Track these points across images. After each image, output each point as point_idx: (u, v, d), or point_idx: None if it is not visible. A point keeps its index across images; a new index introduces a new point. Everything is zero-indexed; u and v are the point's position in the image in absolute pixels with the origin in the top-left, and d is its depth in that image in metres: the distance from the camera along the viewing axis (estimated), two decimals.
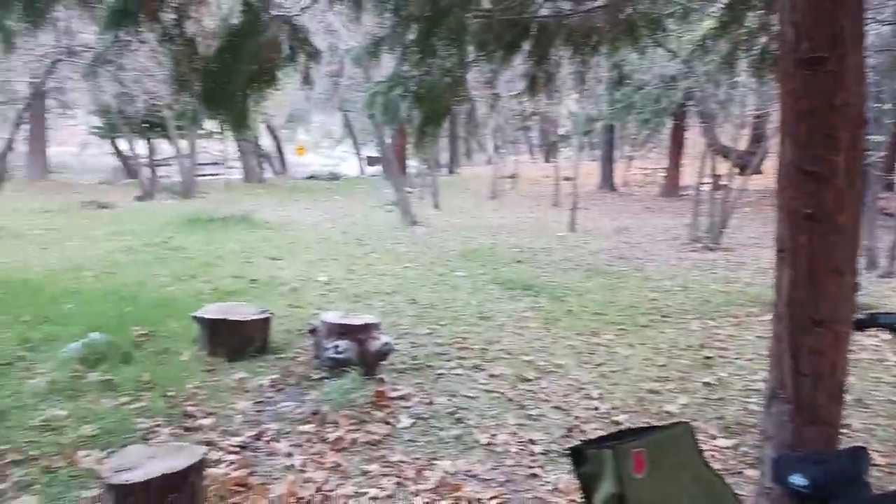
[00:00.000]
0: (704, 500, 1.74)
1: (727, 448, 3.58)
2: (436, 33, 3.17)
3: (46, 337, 4.81)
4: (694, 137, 20.30)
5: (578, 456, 1.71)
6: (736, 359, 5.17)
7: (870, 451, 2.51)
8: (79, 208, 13.97)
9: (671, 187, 20.52)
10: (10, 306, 5.53)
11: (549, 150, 32.28)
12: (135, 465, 2.63)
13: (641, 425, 2.96)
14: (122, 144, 22.67)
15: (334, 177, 26.79)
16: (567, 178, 18.51)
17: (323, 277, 7.56)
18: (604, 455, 1.64)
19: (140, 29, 2.87)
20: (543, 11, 3.87)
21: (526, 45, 3.73)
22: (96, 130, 24.12)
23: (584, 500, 1.70)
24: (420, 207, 14.41)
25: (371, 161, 28.41)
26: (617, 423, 3.95)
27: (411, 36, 3.34)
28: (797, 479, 1.81)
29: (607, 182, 22.10)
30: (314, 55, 3.44)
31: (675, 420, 3.53)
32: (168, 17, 2.95)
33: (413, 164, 22.41)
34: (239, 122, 3.27)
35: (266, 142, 27.33)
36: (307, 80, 3.50)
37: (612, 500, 1.59)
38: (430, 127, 3.64)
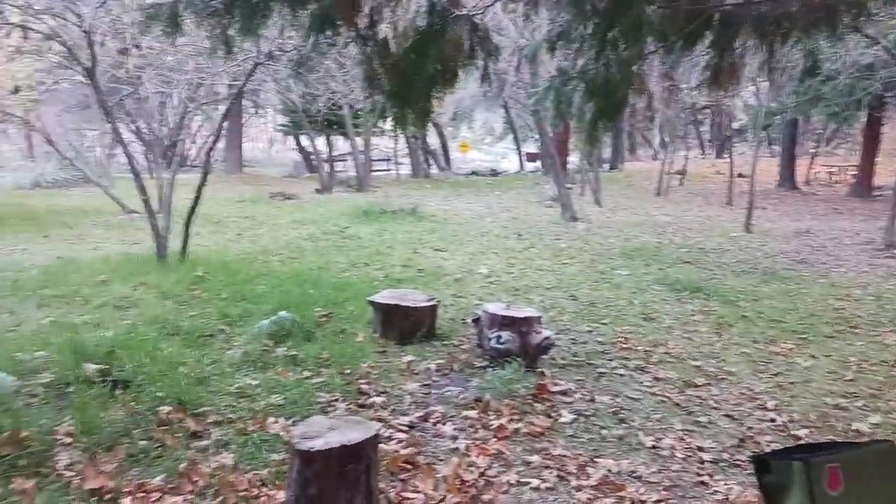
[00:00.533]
0: None
1: None
2: (616, 26, 3.13)
3: (243, 313, 5.35)
4: (891, 132, 18.14)
5: (763, 465, 1.63)
6: None
7: None
8: (267, 199, 15.33)
9: (863, 186, 18.49)
10: (213, 285, 6.23)
11: (723, 145, 30.37)
12: (318, 434, 2.85)
13: (827, 440, 2.74)
14: (304, 141, 24.55)
15: (495, 173, 27.12)
16: (741, 175, 17.33)
17: (484, 270, 7.71)
18: (794, 467, 1.55)
19: (338, 32, 3.12)
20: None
21: (709, 35, 3.55)
22: (282, 128, 26.34)
23: None
24: (581, 204, 14.19)
25: (531, 157, 28.41)
26: (796, 437, 3.67)
27: (589, 30, 3.32)
28: None
29: (787, 180, 20.35)
30: (493, 53, 3.53)
31: (867, 439, 3.22)
32: (362, 21, 3.18)
33: (574, 159, 22.09)
34: (422, 118, 3.45)
35: (432, 139, 28.24)
36: (485, 78, 3.60)
37: None
38: (603, 120, 3.60)
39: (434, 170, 27.50)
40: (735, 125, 26.47)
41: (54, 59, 8.86)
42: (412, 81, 3.20)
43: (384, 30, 3.26)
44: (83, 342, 4.36)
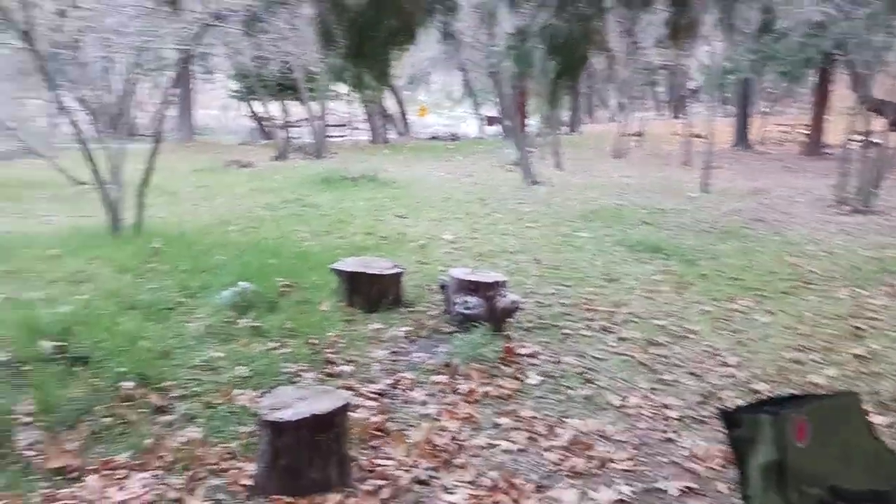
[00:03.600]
0: (871, 472, 1.64)
1: (884, 426, 3.34)
2: None
3: (203, 285, 5.24)
4: (840, 91, 18.57)
5: (732, 419, 1.67)
6: (891, 331, 4.78)
7: None
8: (223, 168, 14.97)
9: (814, 145, 19.00)
10: (170, 257, 6.07)
11: (678, 105, 30.70)
12: (286, 404, 2.82)
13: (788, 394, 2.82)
14: (258, 107, 23.94)
15: (455, 137, 26.97)
16: (697, 136, 17.56)
17: (448, 236, 7.69)
18: (762, 420, 1.58)
19: None
20: None
21: None
22: (234, 94, 25.58)
23: (736, 464, 1.66)
24: (542, 167, 14.22)
25: (490, 121, 28.28)
26: (756, 391, 3.79)
27: None
28: None
29: (742, 140, 20.77)
30: (453, 9, 3.45)
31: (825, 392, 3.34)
32: None
33: (534, 123, 22.07)
34: (381, 78, 3.37)
35: (390, 104, 27.85)
36: (446, 37, 3.52)
37: (771, 467, 1.54)
38: (565, 79, 3.57)
39: (392, 135, 27.16)
40: (691, 86, 26.75)
41: None
42: (369, 39, 3.11)
43: None
44: (38, 319, 4.22)
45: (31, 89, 19.00)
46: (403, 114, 29.12)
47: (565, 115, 26.84)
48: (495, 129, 26.72)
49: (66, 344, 3.89)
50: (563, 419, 3.38)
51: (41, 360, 3.71)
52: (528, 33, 3.64)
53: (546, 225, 8.54)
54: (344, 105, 26.34)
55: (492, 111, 28.31)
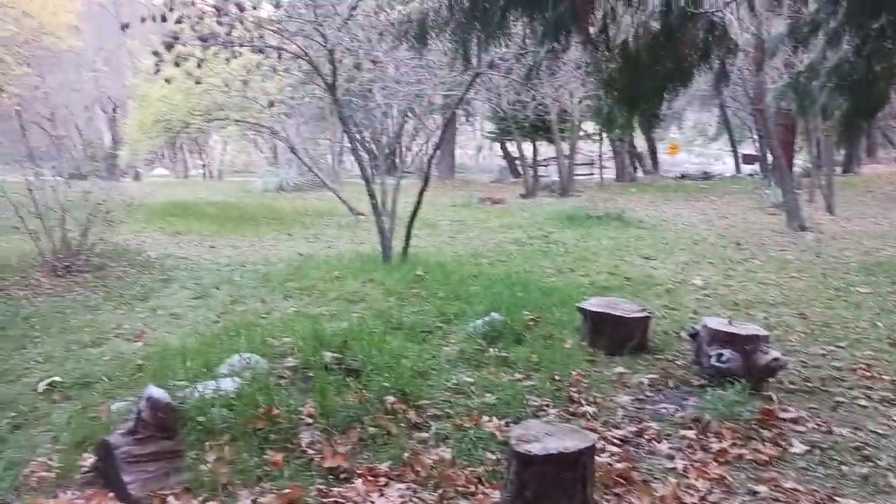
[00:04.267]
0: None
1: None
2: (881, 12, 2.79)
3: (458, 312, 5.62)
4: None
5: None
6: None
7: None
8: (476, 204, 15.91)
9: None
10: (430, 284, 6.62)
11: None
12: (535, 438, 2.90)
13: None
14: (510, 147, 25.06)
15: (707, 176, 25.50)
16: None
17: (698, 281, 7.31)
18: None
19: (569, 39, 3.16)
20: None
21: None
22: (489, 135, 27.10)
23: None
24: (810, 211, 12.84)
25: (748, 159, 26.25)
26: None
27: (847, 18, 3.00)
28: None
29: None
30: (732, 50, 3.34)
31: None
32: (593, 25, 3.19)
33: (800, 161, 20.03)
34: (652, 121, 3.38)
35: (639, 141, 27.30)
36: (722, 77, 3.42)
37: None
38: (860, 119, 3.23)
39: (640, 173, 26.52)
40: None
41: (299, 75, 10.00)
42: (644, 82, 3.14)
43: (617, 32, 3.23)
44: (322, 332, 4.86)
45: (322, 131, 22.14)
46: (653, 151, 28.31)
47: (839, 153, 23.89)
48: (753, 167, 24.74)
49: (342, 356, 4.43)
50: (834, 497, 3.02)
51: (323, 369, 4.27)
52: (818, 70, 3.38)
53: (814, 276, 7.69)
54: (591, 144, 26.39)
55: (749, 149, 26.30)
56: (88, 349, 4.92)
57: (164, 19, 6.86)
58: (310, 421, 3.65)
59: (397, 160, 22.79)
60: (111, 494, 2.94)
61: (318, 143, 23.31)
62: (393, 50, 7.99)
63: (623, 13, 3.17)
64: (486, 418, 3.73)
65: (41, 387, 4.14)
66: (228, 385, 3.81)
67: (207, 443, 3.33)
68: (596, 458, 3.18)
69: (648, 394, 4.18)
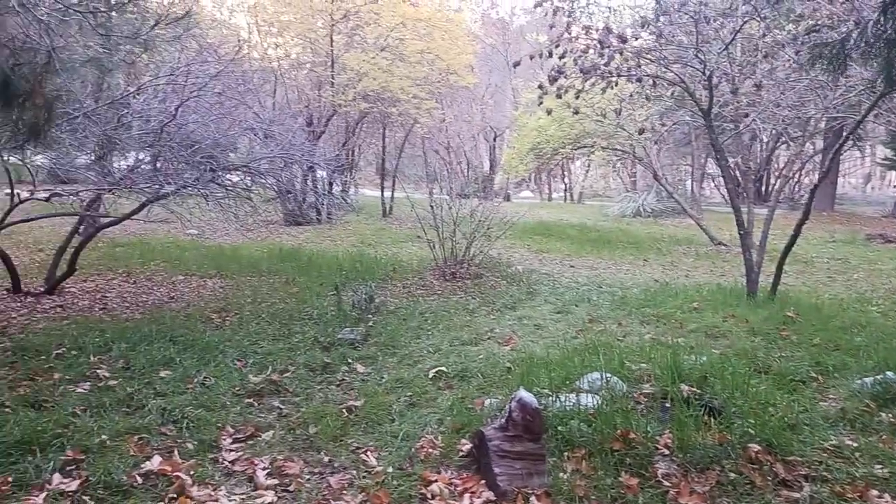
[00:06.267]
0: None
1: None
2: None
3: (838, 364, 4.95)
4: None
5: None
6: None
7: None
8: (862, 241, 13.74)
9: None
10: (803, 327, 5.95)
11: None
12: None
13: None
14: None
15: None
16: None
17: None
18: None
19: None
20: None
21: None
22: (884, 162, 23.12)
23: None
24: None
25: None
26: None
27: None
28: None
29: None
30: None
31: None
32: None
33: None
34: None
35: None
36: None
37: None
38: None
39: None
40: None
41: (669, 102, 9.94)
42: None
43: None
44: (680, 363, 4.74)
45: (684, 157, 21.50)
46: None
47: None
48: None
49: (701, 392, 4.26)
50: None
51: (680, 401, 4.16)
52: None
53: None
54: None
55: None
56: (467, 346, 5.61)
57: (549, 55, 7.48)
58: (666, 452, 3.61)
59: (763, 188, 20.90)
60: (483, 482, 3.33)
61: (678, 169, 22.71)
62: (770, 72, 7.42)
63: None
64: (874, 492, 3.23)
65: (431, 373, 4.86)
66: (588, 401, 3.98)
67: (566, 453, 3.54)
68: None
69: None
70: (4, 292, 7.11)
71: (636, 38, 7.18)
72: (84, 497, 3.01)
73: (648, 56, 7.20)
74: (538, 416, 3.39)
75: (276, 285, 8.12)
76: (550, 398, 4.01)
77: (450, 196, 10.57)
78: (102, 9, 5.52)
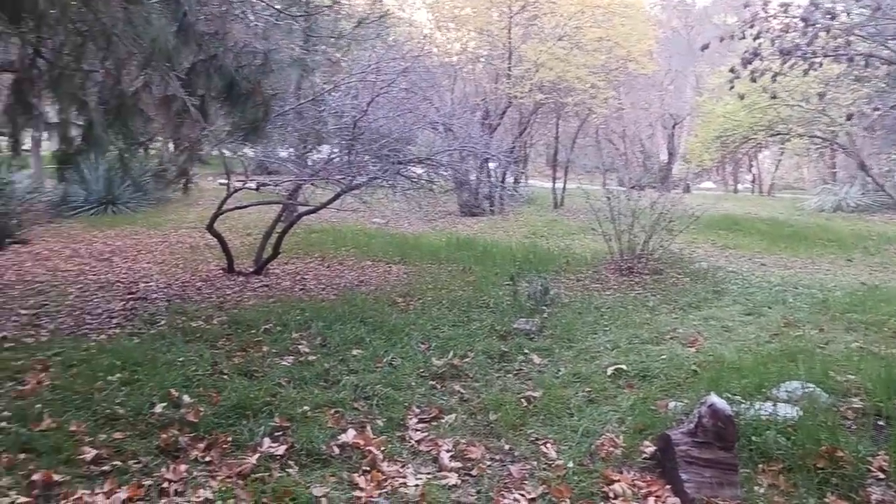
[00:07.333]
0: None
1: None
2: None
3: None
4: None
5: None
6: None
7: None
8: None
9: None
10: None
11: None
12: None
13: None
14: None
15: None
16: None
17: None
18: None
19: None
20: None
21: None
22: None
23: None
24: None
25: None
26: None
27: None
28: None
29: None
30: None
31: None
32: None
33: None
34: None
35: None
36: None
37: None
38: None
39: None
40: None
41: (883, 84, 8.81)
42: None
43: None
44: (895, 376, 4.25)
45: (893, 144, 18.96)
46: None
47: None
48: None
49: None
50: None
51: None
52: None
53: None
54: None
55: None
56: (648, 346, 5.41)
57: (742, 36, 6.94)
58: (881, 476, 3.26)
59: None
60: (668, 487, 3.21)
61: (889, 159, 20.10)
62: None
63: None
64: None
65: (609, 370, 4.76)
66: (787, 411, 3.69)
67: (760, 465, 3.31)
68: None
69: None
70: (221, 271, 8.04)
71: (847, 14, 6.43)
72: (290, 462, 3.32)
73: (861, 33, 6.42)
74: (731, 424, 3.20)
75: (454, 273, 8.38)
76: (743, 405, 3.77)
77: (624, 187, 10.21)
78: (300, 13, 6.01)
